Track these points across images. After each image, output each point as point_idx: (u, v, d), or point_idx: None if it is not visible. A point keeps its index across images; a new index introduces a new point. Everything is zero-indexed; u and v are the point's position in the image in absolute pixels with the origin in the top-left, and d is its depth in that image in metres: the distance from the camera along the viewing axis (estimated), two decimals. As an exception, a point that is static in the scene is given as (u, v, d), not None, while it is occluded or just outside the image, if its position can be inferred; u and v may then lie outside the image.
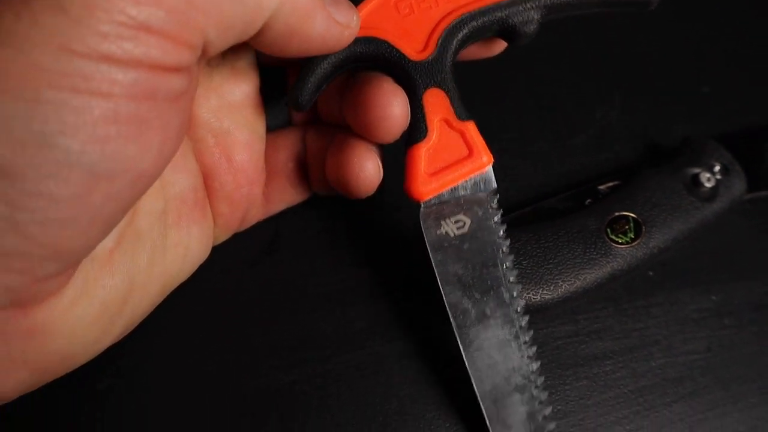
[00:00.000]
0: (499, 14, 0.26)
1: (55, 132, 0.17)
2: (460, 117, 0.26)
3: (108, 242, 0.23)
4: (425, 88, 0.26)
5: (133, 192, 0.20)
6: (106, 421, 0.27)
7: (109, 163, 0.19)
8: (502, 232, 0.27)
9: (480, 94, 0.37)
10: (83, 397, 0.27)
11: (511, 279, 0.27)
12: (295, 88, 0.26)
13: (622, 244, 0.30)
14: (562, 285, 0.29)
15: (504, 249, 0.27)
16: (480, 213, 0.27)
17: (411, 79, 0.26)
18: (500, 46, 0.29)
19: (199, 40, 0.20)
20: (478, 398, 0.26)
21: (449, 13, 0.26)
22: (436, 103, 0.26)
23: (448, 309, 0.27)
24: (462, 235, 0.27)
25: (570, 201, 0.32)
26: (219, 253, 0.30)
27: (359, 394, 0.28)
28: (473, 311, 0.27)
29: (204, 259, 0.29)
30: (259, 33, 0.22)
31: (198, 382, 0.28)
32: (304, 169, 0.31)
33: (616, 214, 0.31)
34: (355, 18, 0.25)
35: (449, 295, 0.27)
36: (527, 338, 0.27)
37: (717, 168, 0.33)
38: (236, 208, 0.29)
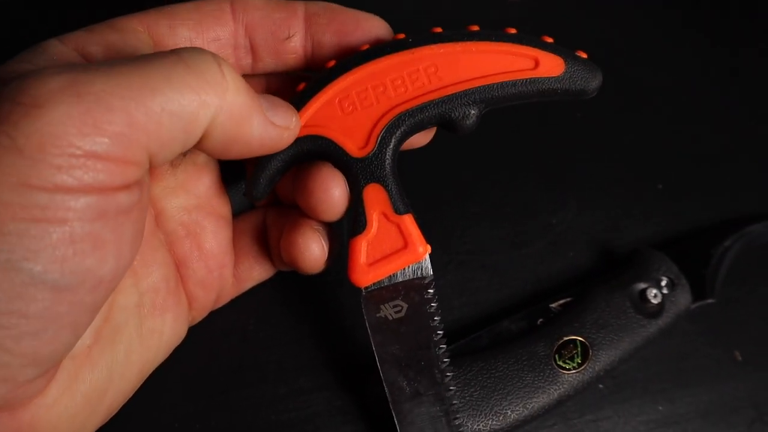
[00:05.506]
0: (437, 111, 0.28)
1: (20, 258, 0.19)
2: (398, 211, 0.28)
3: (86, 339, 0.25)
4: (365, 184, 0.28)
5: (95, 297, 0.22)
6: None
7: (69, 278, 0.21)
8: (436, 317, 0.29)
9: (439, 208, 0.39)
10: None
11: (443, 360, 0.29)
12: (249, 184, 0.28)
13: (569, 370, 0.32)
14: (510, 415, 0.31)
15: (438, 332, 0.29)
16: (417, 299, 0.29)
17: (352, 174, 0.28)
18: (429, 136, 0.31)
19: (144, 157, 0.22)
20: None
21: (388, 111, 0.28)
22: (375, 197, 0.28)
23: (385, 386, 0.29)
24: (399, 319, 0.29)
25: (523, 321, 0.34)
26: (184, 382, 0.32)
27: None
28: (408, 389, 0.29)
29: (180, 341, 0.31)
30: (201, 140, 0.24)
31: None
32: (268, 248, 0.33)
33: (565, 338, 0.32)
34: (294, 120, 0.27)
35: (386, 373, 0.29)
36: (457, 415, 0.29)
37: (664, 282, 0.35)
38: (209, 291, 0.31)
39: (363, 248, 0.28)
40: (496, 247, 0.38)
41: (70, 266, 0.20)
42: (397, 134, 0.28)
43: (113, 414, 0.28)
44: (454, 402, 0.29)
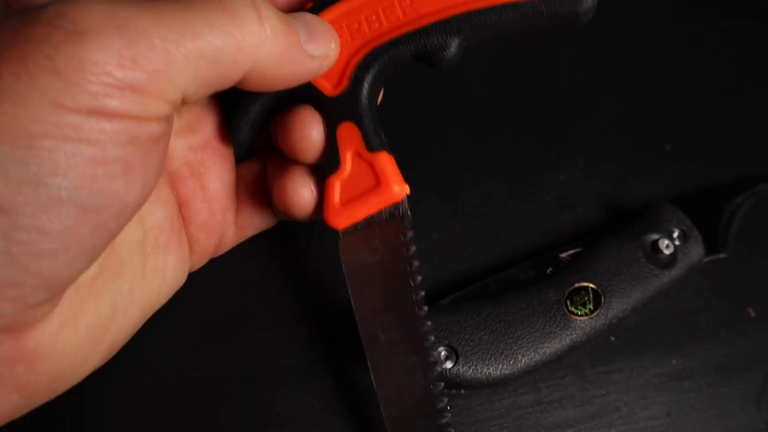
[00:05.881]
0: (413, 44, 0.26)
1: (48, 172, 0.19)
2: (371, 149, 0.27)
3: (91, 271, 0.25)
4: (338, 122, 0.27)
5: (119, 222, 0.22)
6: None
7: (97, 198, 0.21)
8: (415, 262, 0.27)
9: (444, 161, 0.38)
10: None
11: (422, 308, 0.27)
12: (232, 130, 0.28)
13: (581, 315, 0.31)
14: (521, 359, 0.29)
15: (416, 278, 0.27)
16: (394, 242, 0.27)
17: (327, 113, 0.27)
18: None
19: (178, 96, 0.22)
20: (384, 421, 0.27)
21: (362, 47, 0.27)
22: (349, 136, 0.27)
23: (360, 333, 0.27)
24: (375, 263, 0.27)
25: (532, 270, 0.33)
26: (183, 329, 0.31)
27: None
28: (383, 336, 0.27)
29: (180, 285, 0.30)
30: (238, 82, 0.24)
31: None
32: (267, 196, 0.32)
33: (576, 285, 0.31)
34: (333, 46, 0.26)
35: (362, 320, 0.27)
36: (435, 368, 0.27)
37: (676, 234, 0.34)
38: (211, 235, 0.30)
39: (336, 188, 0.27)
40: (504, 201, 0.37)
41: (99, 186, 0.21)
42: (371, 71, 0.27)
43: (114, 352, 0.27)
44: (432, 353, 0.27)
